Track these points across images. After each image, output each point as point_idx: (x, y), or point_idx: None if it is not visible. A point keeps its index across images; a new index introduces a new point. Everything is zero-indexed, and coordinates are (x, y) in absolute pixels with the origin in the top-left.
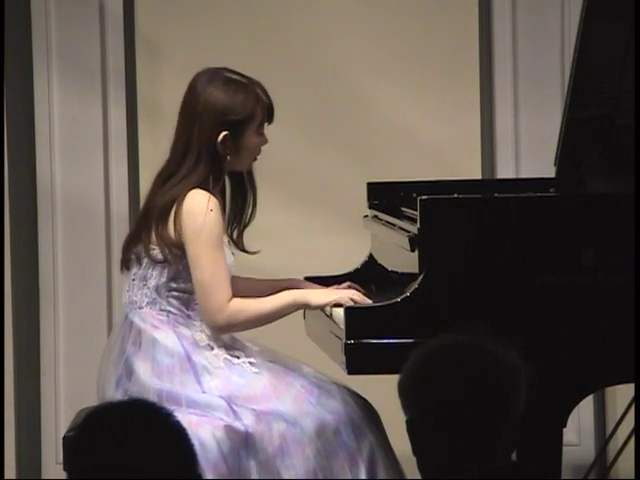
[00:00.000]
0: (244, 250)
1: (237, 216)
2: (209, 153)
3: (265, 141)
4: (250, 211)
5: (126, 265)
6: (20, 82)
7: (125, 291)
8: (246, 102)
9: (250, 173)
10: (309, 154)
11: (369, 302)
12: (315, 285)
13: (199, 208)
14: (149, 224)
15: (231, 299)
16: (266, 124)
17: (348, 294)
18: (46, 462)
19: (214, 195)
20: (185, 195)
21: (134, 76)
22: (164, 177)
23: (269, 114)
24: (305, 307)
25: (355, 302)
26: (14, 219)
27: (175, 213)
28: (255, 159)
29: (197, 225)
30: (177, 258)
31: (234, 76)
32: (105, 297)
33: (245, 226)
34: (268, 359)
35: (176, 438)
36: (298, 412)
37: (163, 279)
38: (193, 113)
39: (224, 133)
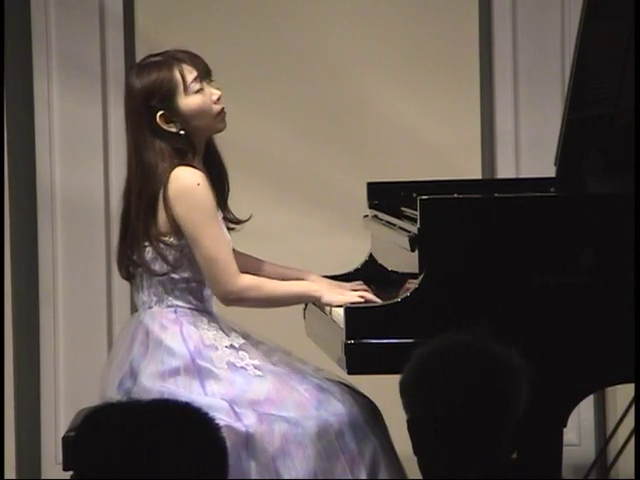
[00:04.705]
0: (235, 221)
1: (217, 189)
2: (162, 139)
3: (213, 94)
4: (225, 179)
5: (128, 274)
6: (20, 82)
7: (136, 293)
8: (160, 78)
9: (210, 142)
10: (309, 154)
11: (378, 301)
12: (326, 280)
13: (185, 185)
14: (135, 228)
15: (239, 272)
16: (205, 79)
17: (357, 297)
18: (46, 462)
19: (198, 169)
20: (168, 178)
21: None
22: (127, 193)
23: (193, 68)
24: (315, 301)
25: (366, 301)
26: (14, 219)
27: (163, 199)
28: (220, 115)
29: (188, 203)
30: (172, 248)
31: (148, 60)
32: (105, 297)
33: (226, 197)
34: (274, 361)
35: (210, 439)
36: (301, 416)
37: (166, 273)
38: (126, 119)
39: (159, 113)
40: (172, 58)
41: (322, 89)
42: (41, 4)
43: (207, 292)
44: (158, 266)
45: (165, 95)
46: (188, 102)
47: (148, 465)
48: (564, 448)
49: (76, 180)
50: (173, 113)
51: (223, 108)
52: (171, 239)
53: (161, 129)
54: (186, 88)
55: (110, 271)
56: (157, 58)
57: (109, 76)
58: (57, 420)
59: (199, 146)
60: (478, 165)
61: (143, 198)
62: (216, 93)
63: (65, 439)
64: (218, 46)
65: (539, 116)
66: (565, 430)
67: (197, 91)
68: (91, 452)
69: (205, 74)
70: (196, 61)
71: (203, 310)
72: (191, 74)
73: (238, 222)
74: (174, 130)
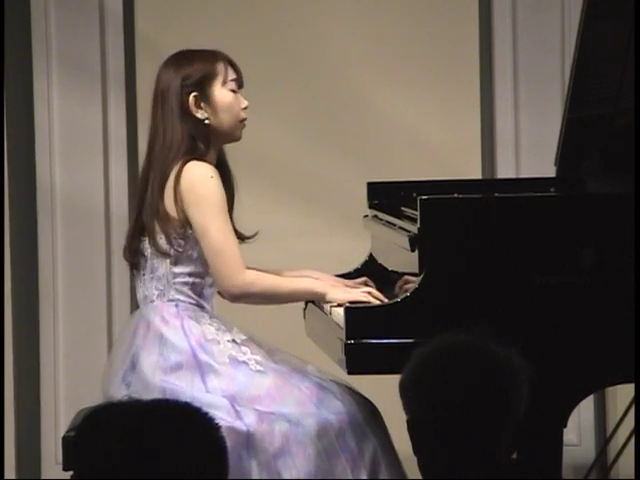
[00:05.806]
0: (240, 236)
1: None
2: (186, 122)
3: (242, 102)
4: (232, 191)
5: (135, 267)
6: (20, 82)
7: (138, 287)
8: (202, 63)
9: (222, 154)
10: (309, 154)
11: (384, 300)
12: (331, 277)
13: (198, 177)
14: (148, 216)
15: (245, 267)
16: (240, 89)
17: (362, 294)
18: (46, 462)
19: (211, 164)
20: (181, 169)
21: (134, 76)
22: (146, 170)
23: (234, 71)
24: (320, 298)
25: (369, 301)
26: (14, 219)
27: (174, 190)
28: (242, 123)
29: (199, 194)
30: (181, 239)
31: (187, 51)
32: (105, 297)
33: (231, 209)
34: (275, 359)
35: (211, 439)
36: (301, 414)
37: (168, 265)
38: (157, 97)
39: (193, 94)
40: (218, 54)
41: (322, 89)
42: (41, 4)
43: (207, 291)
44: (163, 256)
45: (203, 79)
46: (222, 94)
47: (148, 465)
48: (564, 448)
49: (76, 180)
50: (205, 98)
51: (246, 118)
52: (181, 230)
53: (188, 112)
54: (225, 82)
55: (110, 271)
56: (198, 50)
57: (109, 76)
58: (57, 420)
59: (214, 146)
60: (478, 165)
61: (159, 178)
62: (245, 102)
63: (65, 439)
64: (217, 47)
65: (539, 116)
66: (565, 430)
67: (232, 91)
68: (91, 452)
69: (241, 83)
70: (237, 68)
71: (203, 307)
72: (232, 74)
73: (243, 238)
74: (200, 117)
